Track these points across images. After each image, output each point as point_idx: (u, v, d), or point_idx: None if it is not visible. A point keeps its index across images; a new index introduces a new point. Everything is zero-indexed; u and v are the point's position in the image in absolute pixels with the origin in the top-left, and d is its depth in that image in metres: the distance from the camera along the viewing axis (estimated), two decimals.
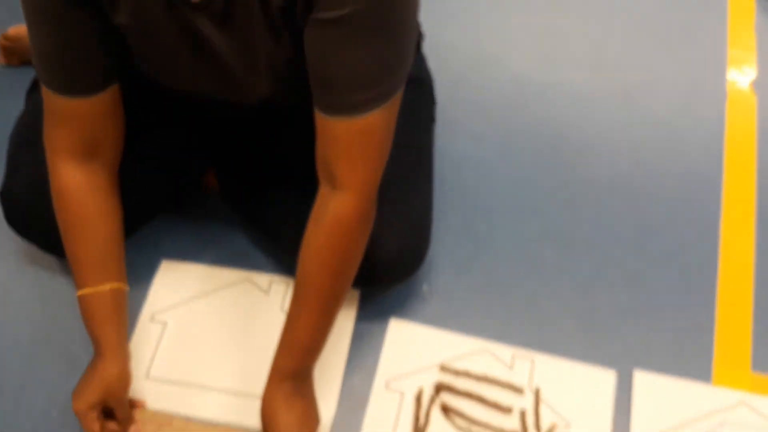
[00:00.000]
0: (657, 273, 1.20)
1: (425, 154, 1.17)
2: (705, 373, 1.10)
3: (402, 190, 1.07)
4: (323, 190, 0.91)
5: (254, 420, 0.96)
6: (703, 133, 1.37)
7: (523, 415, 1.06)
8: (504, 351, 1.12)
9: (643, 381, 1.09)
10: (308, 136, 0.91)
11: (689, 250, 1.23)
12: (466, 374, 1.10)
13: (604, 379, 1.09)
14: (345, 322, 1.12)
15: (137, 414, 1.02)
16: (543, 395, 1.08)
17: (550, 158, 1.34)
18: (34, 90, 1.18)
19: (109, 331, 0.97)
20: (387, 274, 1.07)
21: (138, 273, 1.18)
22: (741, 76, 1.46)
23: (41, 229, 1.11)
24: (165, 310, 1.16)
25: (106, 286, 0.97)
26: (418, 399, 1.07)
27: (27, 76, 1.13)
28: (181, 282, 1.19)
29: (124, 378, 0.98)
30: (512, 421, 1.06)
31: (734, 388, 1.08)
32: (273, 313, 1.14)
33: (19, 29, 1.41)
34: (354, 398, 1.08)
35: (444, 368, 1.10)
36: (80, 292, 0.97)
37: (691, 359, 1.11)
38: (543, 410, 1.07)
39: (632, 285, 1.19)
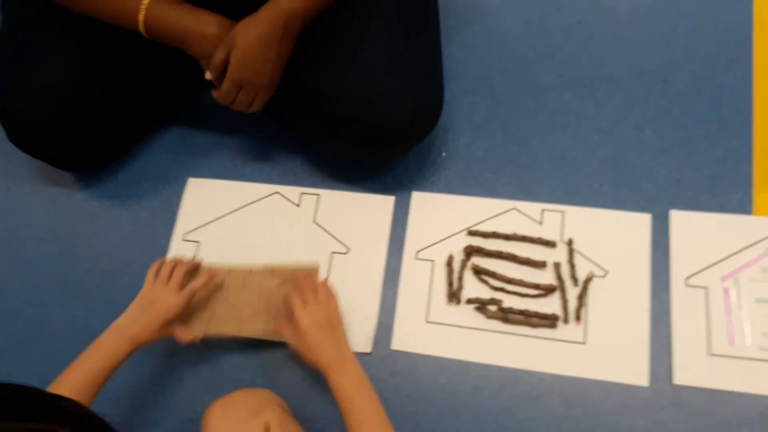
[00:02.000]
0: (685, 106, 1.10)
1: (431, 10, 1.07)
2: (745, 205, 1.02)
3: (408, 48, 0.98)
4: None
5: None
6: None
7: (557, 267, 1.01)
8: (532, 208, 1.06)
9: (680, 220, 1.02)
10: None
11: (719, 77, 1.11)
12: (495, 235, 1.04)
13: (639, 222, 1.03)
14: (385, 208, 1.08)
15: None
16: (576, 246, 1.03)
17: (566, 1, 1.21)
18: (6, 2, 1.10)
19: (192, 13, 0.95)
20: (399, 137, 0.99)
21: (166, 194, 1.14)
22: None
23: (46, 143, 1.07)
24: (196, 229, 1.11)
25: None
26: (449, 264, 1.03)
27: None
28: (210, 199, 1.13)
29: None
30: (547, 275, 1.02)
31: None
32: (306, 225, 1.09)
33: None
34: (387, 272, 1.05)
35: (472, 232, 1.05)
36: (141, 14, 0.93)
37: (728, 193, 1.03)
38: (578, 260, 1.02)
39: (659, 122, 1.09)
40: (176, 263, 0.99)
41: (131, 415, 1.01)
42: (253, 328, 1.01)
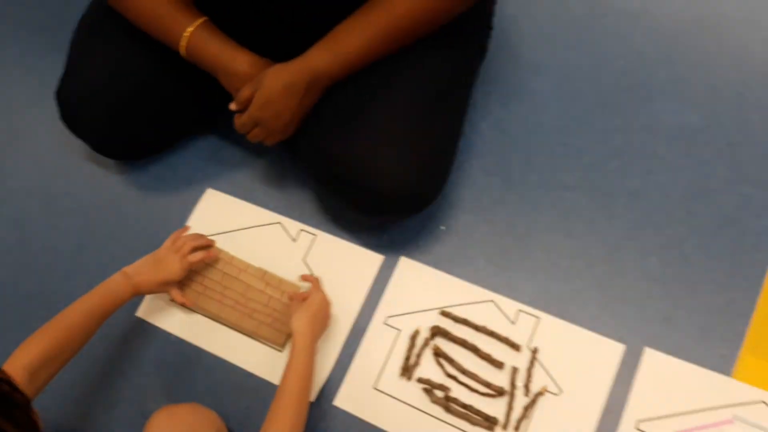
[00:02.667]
0: (702, 243, 1.04)
1: (459, 86, 1.07)
2: (727, 364, 0.97)
3: (423, 122, 1.00)
4: None
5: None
6: None
7: (514, 372, 1.00)
8: (510, 305, 1.05)
9: (653, 361, 0.98)
10: None
11: (748, 222, 1.05)
12: (465, 322, 1.04)
13: (611, 351, 1.00)
14: (372, 265, 1.10)
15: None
16: (540, 356, 1.01)
17: (611, 99, 1.16)
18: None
19: (228, 47, 1.02)
20: (391, 209, 1.02)
21: (185, 197, 1.21)
22: None
23: (92, 129, 1.16)
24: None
25: (200, 20, 1.02)
26: (413, 339, 1.05)
27: None
28: (219, 213, 1.19)
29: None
30: (502, 377, 1.01)
31: (757, 387, 0.96)
32: (296, 261, 1.13)
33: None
34: (353, 328, 1.07)
35: (445, 313, 1.05)
36: (183, 41, 1.01)
37: (714, 347, 0.98)
38: (537, 371, 1.00)
39: (668, 253, 1.05)
40: (194, 237, 1.12)
41: (92, 391, 1.10)
42: (230, 315, 1.11)
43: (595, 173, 1.12)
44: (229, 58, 1.01)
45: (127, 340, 1.12)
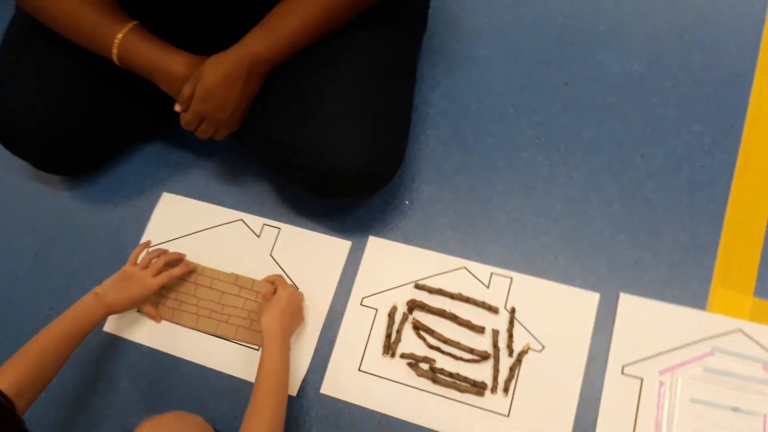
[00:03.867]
0: (660, 185, 1.05)
1: (404, 59, 1.04)
2: (700, 299, 0.98)
3: (372, 102, 0.97)
4: None
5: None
6: (741, 31, 1.14)
7: (495, 335, 0.99)
8: (482, 269, 1.04)
9: (629, 305, 0.98)
10: None
11: (700, 159, 1.06)
12: (440, 292, 1.03)
13: (586, 301, 1.00)
14: (340, 252, 1.08)
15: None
16: (518, 316, 1.00)
17: (555, 55, 1.16)
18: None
19: (162, 50, 0.97)
20: (349, 188, 0.99)
21: (139, 205, 1.17)
22: None
23: (30, 147, 1.10)
24: (161, 244, 1.13)
25: (130, 24, 0.97)
26: (391, 315, 1.03)
27: None
28: (178, 216, 1.15)
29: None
30: (484, 341, 1.00)
31: (731, 317, 0.97)
32: (262, 257, 1.10)
33: None
34: (330, 314, 1.05)
35: (419, 286, 1.04)
36: (115, 47, 0.96)
37: (685, 284, 0.99)
38: (517, 331, 0.99)
39: (629, 198, 1.05)
40: (160, 252, 1.08)
41: (71, 416, 1.05)
42: (207, 325, 1.07)
43: (549, 130, 1.11)
44: (165, 61, 0.96)
45: (99, 357, 1.07)
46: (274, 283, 1.05)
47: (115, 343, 1.08)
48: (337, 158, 0.94)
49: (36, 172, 1.20)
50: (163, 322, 1.07)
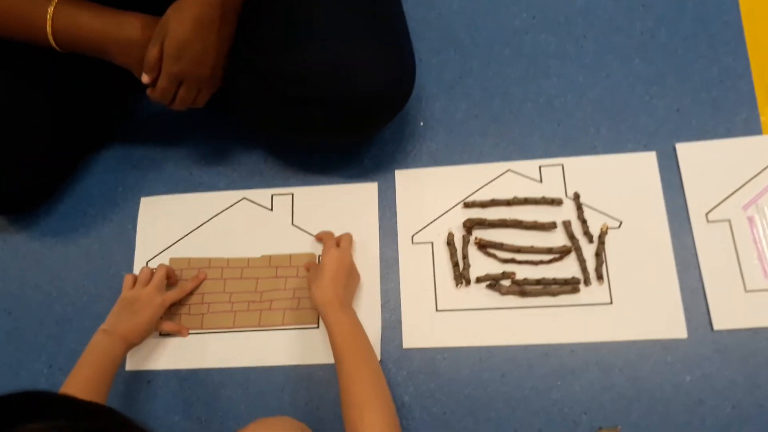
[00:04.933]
0: (670, 28, 0.98)
1: None
2: (752, 125, 0.92)
3: (370, 12, 0.83)
4: None
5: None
6: None
7: (568, 226, 0.90)
8: (528, 166, 0.93)
9: (688, 153, 0.91)
10: None
11: None
12: (493, 203, 0.92)
13: (645, 162, 0.92)
14: (368, 195, 0.94)
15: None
16: (583, 200, 0.91)
17: None
18: None
19: (109, 15, 0.80)
20: (374, 112, 0.84)
21: (117, 219, 0.98)
22: None
23: None
24: (160, 253, 0.95)
25: None
26: (450, 243, 0.91)
27: None
28: (169, 217, 0.97)
29: None
30: (558, 236, 0.90)
31: None
32: (283, 229, 0.94)
33: None
34: (383, 265, 0.91)
35: (468, 204, 0.92)
36: (48, 25, 0.78)
37: (732, 115, 0.93)
38: (588, 215, 0.90)
39: (646, 49, 0.98)
40: (153, 269, 0.91)
41: None
42: (248, 320, 0.91)
43: (540, 7, 1.01)
44: (115, 27, 0.79)
45: (133, 400, 0.88)
46: (322, 240, 0.90)
47: (145, 379, 0.89)
48: (354, 79, 0.79)
49: None
50: (191, 337, 0.90)
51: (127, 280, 0.89)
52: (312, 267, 0.89)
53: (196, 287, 0.92)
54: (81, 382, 0.77)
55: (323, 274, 0.84)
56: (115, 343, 0.82)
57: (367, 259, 0.91)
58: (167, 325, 0.90)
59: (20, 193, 0.95)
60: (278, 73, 0.82)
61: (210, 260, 0.93)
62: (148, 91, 0.82)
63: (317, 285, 0.83)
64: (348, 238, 0.90)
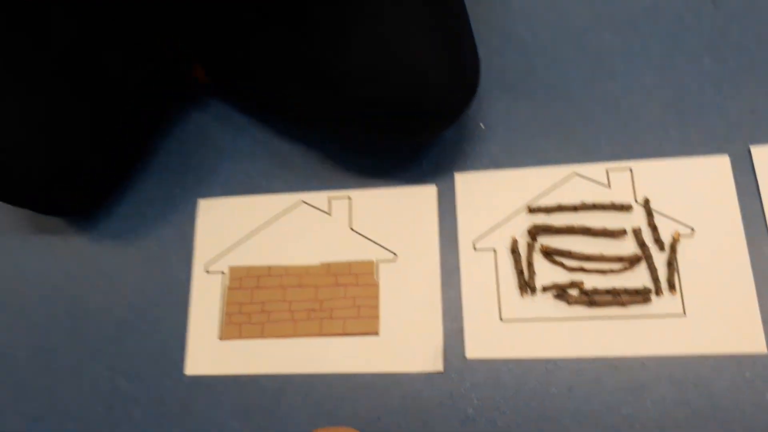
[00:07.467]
0: (742, 26, 0.90)
1: None
2: None
3: (435, 11, 0.76)
4: None
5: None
6: None
7: (638, 233, 0.83)
8: (595, 169, 0.86)
9: (764, 156, 0.83)
10: None
11: None
12: (559, 208, 0.85)
13: (718, 166, 0.84)
14: (428, 199, 0.88)
15: None
16: (654, 205, 0.84)
17: None
18: None
19: None
20: (437, 114, 0.78)
21: (176, 221, 0.92)
22: None
23: (25, 190, 0.84)
24: (218, 258, 0.90)
25: None
26: (515, 250, 0.84)
27: None
28: (227, 220, 0.91)
29: None
30: (628, 244, 0.82)
31: None
32: (342, 234, 0.88)
33: None
34: (444, 272, 0.85)
35: (532, 209, 0.86)
36: None
37: None
38: (659, 221, 0.83)
39: (717, 48, 0.89)
40: None
41: None
42: (308, 328, 0.85)
43: (603, 4, 0.94)
44: None
45: (193, 404, 0.83)
46: None
47: (204, 383, 0.84)
48: (419, 79, 0.73)
49: (36, 223, 0.95)
50: (251, 342, 0.85)
51: None
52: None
53: None
54: None
55: None
56: None
57: (427, 265, 0.85)
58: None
59: (79, 195, 0.90)
60: (341, 72, 0.75)
61: (269, 268, 0.87)
62: None
63: None
64: None
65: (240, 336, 0.85)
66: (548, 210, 0.85)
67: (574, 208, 0.84)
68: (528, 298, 0.82)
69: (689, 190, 0.83)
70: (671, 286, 0.80)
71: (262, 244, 0.89)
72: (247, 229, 0.91)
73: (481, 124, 0.90)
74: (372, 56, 0.73)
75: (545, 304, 0.81)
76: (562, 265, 0.82)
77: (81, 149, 0.84)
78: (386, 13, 0.74)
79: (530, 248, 0.84)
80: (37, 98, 0.81)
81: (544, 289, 0.82)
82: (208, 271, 0.89)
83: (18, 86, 0.80)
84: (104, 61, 0.84)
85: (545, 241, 0.84)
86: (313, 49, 0.76)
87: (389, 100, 0.74)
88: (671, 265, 0.80)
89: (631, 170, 0.85)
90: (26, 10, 0.80)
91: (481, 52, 0.92)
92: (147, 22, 0.85)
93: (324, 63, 0.76)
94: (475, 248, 0.85)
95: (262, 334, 0.85)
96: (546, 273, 0.83)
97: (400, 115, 0.76)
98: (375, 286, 0.84)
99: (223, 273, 0.88)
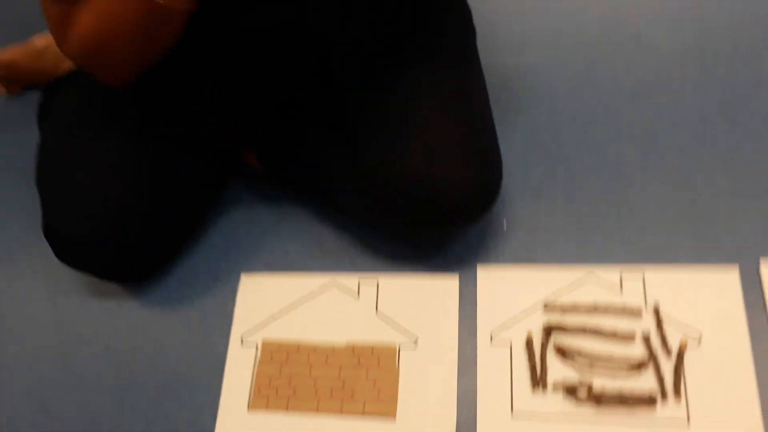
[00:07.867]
0: (757, 145, 0.96)
1: (476, 75, 0.93)
2: None
3: (465, 120, 0.86)
4: None
5: None
6: None
7: (646, 339, 0.87)
8: (609, 273, 0.91)
9: None
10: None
11: None
12: (574, 308, 0.90)
13: (727, 277, 0.88)
14: (450, 289, 0.94)
15: None
16: (664, 312, 0.88)
17: (608, 44, 1.07)
18: (45, 115, 1.00)
19: None
20: (460, 213, 0.86)
21: (219, 294, 1.00)
22: None
23: (93, 257, 0.95)
24: (254, 331, 0.97)
25: None
26: (529, 346, 0.89)
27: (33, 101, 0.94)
28: (265, 295, 0.99)
29: None
30: (637, 348, 0.86)
31: None
32: (369, 317, 0.94)
33: (12, 53, 1.18)
34: (461, 361, 0.90)
35: (548, 306, 0.91)
36: None
37: None
38: (668, 328, 0.87)
39: (731, 165, 0.95)
40: None
41: None
42: (330, 406, 0.90)
43: (625, 119, 1.01)
44: None
45: None
46: None
47: None
48: (445, 184, 0.82)
49: (94, 287, 1.04)
50: (275, 416, 0.90)
51: None
52: None
53: None
54: None
55: None
56: None
57: (445, 353, 0.90)
58: None
59: (140, 265, 1.00)
60: (375, 171, 0.84)
61: (299, 345, 0.94)
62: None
63: None
64: None
65: (267, 407, 0.91)
66: (563, 309, 0.89)
67: (588, 310, 0.89)
68: (539, 394, 0.86)
69: (698, 297, 0.87)
70: (677, 393, 0.83)
71: (295, 322, 0.96)
72: (282, 305, 0.98)
73: (504, 222, 0.97)
74: (411, 170, 0.82)
75: (555, 401, 0.85)
76: (573, 364, 0.86)
77: (148, 226, 0.95)
78: (429, 130, 0.83)
79: (544, 346, 0.88)
80: (118, 181, 0.92)
81: (554, 386, 0.86)
82: (243, 343, 0.96)
83: (106, 172, 0.92)
84: (179, 155, 0.94)
85: (559, 338, 0.88)
86: (358, 152, 0.85)
87: (421, 204, 0.83)
88: (677, 371, 0.84)
89: (643, 275, 0.90)
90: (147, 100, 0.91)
91: (509, 157, 1.00)
92: (218, 122, 0.96)
93: (366, 166, 0.85)
94: (492, 340, 0.90)
95: (287, 408, 0.90)
96: (557, 370, 0.87)
97: (426, 214, 0.85)
98: (395, 371, 0.90)
99: (257, 346, 0.95)
